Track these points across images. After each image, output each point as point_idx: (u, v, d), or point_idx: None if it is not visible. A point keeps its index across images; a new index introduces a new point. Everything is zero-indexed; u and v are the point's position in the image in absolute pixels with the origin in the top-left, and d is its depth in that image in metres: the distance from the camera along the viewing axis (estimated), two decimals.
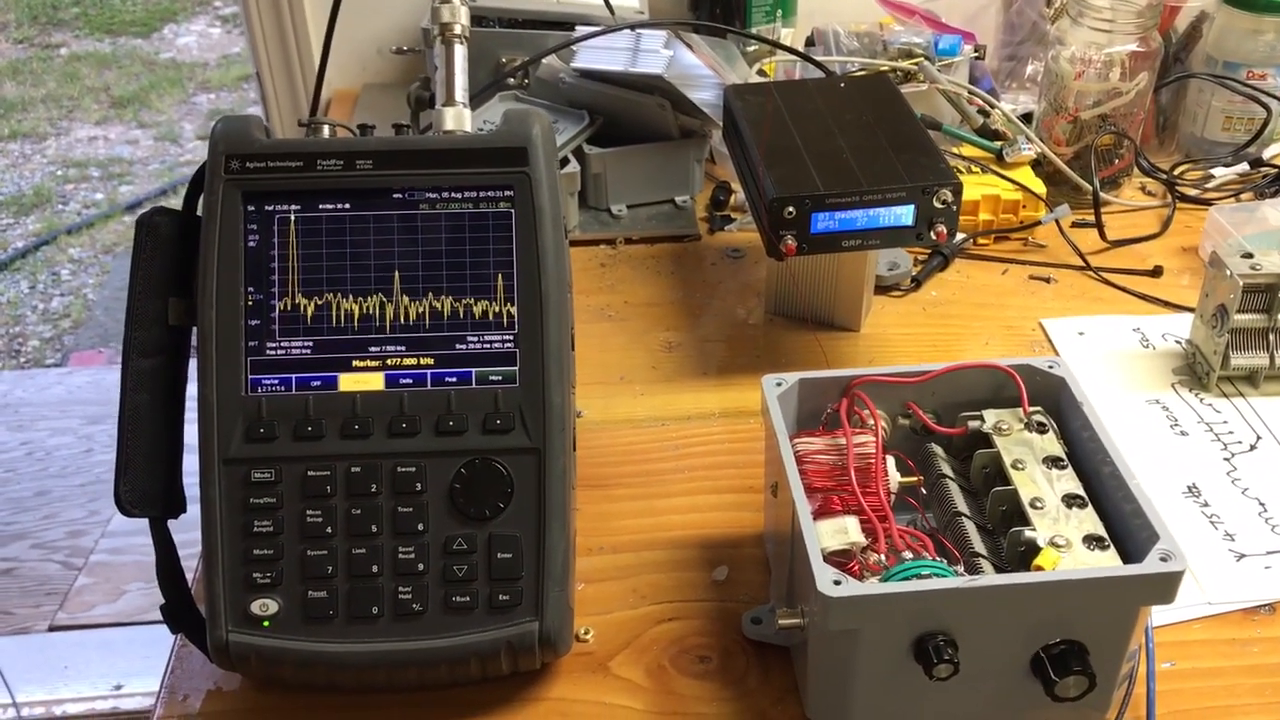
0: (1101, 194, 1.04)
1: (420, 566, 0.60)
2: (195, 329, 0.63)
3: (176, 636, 0.66)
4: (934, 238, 0.82)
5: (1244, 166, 1.11)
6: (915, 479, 0.66)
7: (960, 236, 1.00)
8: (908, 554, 0.58)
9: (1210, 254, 0.84)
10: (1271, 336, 0.83)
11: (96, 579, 1.83)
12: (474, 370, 0.62)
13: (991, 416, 0.66)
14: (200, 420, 0.61)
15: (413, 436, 0.61)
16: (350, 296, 0.63)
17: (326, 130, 0.67)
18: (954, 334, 0.93)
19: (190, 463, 0.63)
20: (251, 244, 0.63)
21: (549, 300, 0.62)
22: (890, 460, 0.64)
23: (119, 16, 4.22)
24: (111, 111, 3.67)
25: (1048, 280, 0.99)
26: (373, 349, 0.62)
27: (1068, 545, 0.58)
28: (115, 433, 0.63)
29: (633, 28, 1.04)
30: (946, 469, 0.66)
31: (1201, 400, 0.84)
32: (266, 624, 0.59)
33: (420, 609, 0.60)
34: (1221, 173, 1.10)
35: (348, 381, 0.62)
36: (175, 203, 0.66)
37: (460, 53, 0.71)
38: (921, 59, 1.10)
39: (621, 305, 0.96)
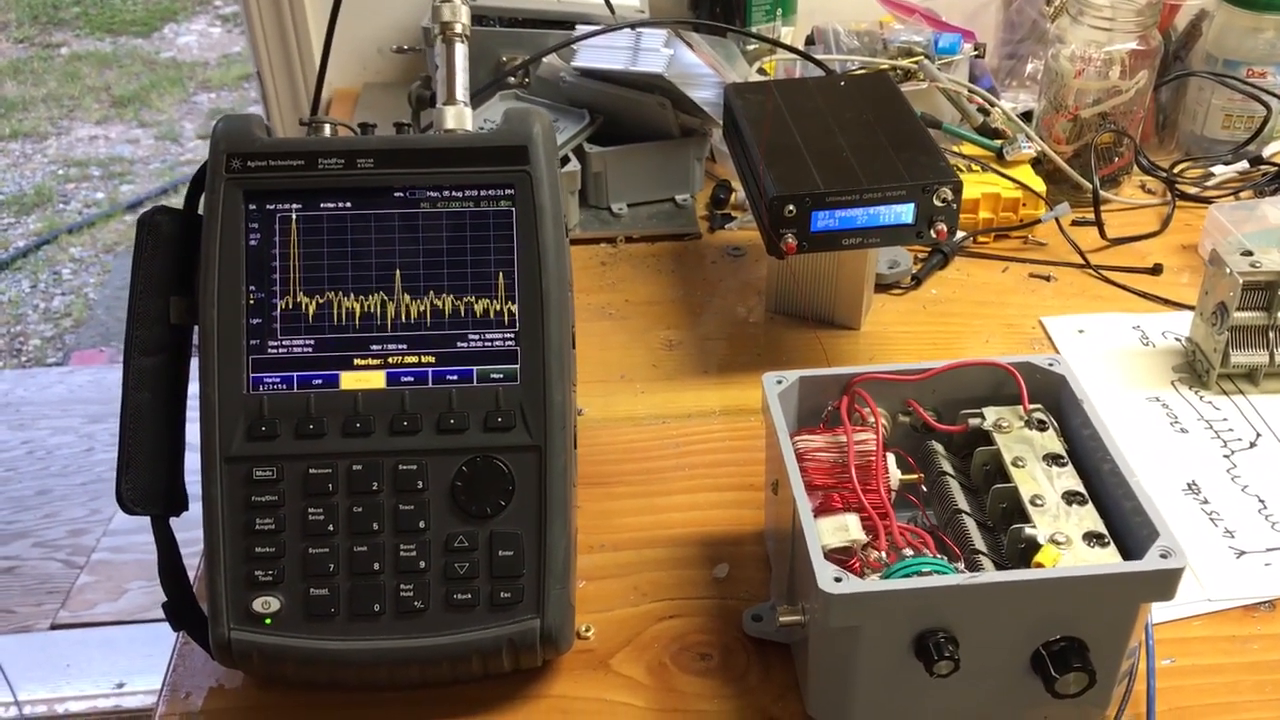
0: (1101, 192, 1.04)
1: (422, 564, 0.60)
2: (197, 328, 0.63)
3: (178, 634, 0.66)
4: (934, 236, 0.82)
5: (1244, 164, 1.11)
6: (916, 476, 0.66)
7: (960, 235, 1.01)
8: (908, 551, 0.59)
9: (1210, 252, 0.84)
10: (1271, 334, 0.83)
11: (98, 577, 1.83)
12: (475, 368, 0.62)
13: (992, 414, 0.66)
14: (202, 418, 0.61)
15: (414, 434, 0.61)
16: (351, 295, 0.63)
17: (327, 129, 0.67)
18: (954, 332, 0.93)
19: (192, 461, 0.63)
20: (253, 243, 0.63)
21: (550, 298, 0.63)
22: (891, 458, 0.64)
23: (119, 16, 4.22)
24: (112, 111, 3.67)
25: (1048, 278, 0.99)
26: (374, 347, 0.62)
27: (1068, 542, 0.58)
28: (116, 431, 0.63)
29: (633, 26, 1.04)
30: (947, 466, 0.66)
31: (1201, 398, 0.85)
32: (268, 621, 0.60)
33: (422, 606, 0.60)
34: (1221, 171, 1.10)
35: (349, 380, 0.62)
36: (176, 202, 0.66)
37: (461, 51, 0.71)
38: (921, 57, 1.10)
39: (622, 304, 0.96)
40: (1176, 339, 0.90)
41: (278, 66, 1.35)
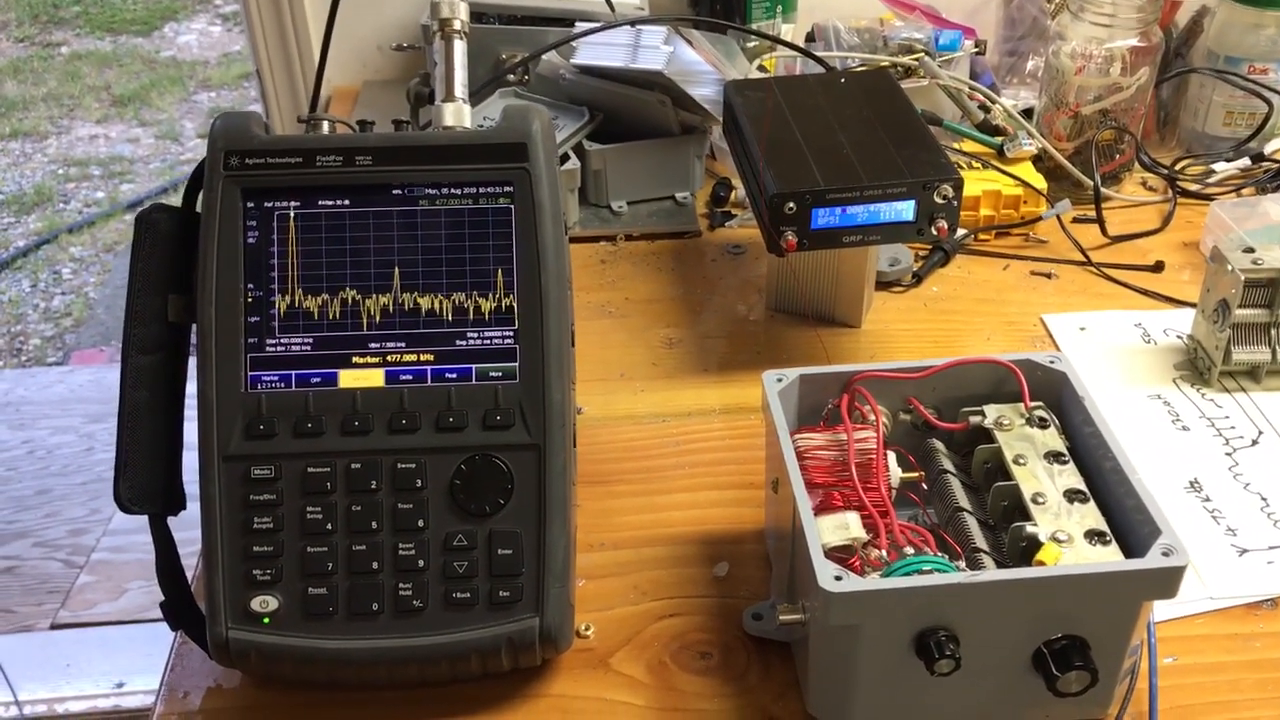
0: (1102, 189, 1.04)
1: (420, 563, 0.60)
2: (195, 326, 0.62)
3: (176, 634, 0.66)
4: (935, 233, 0.81)
5: (1245, 161, 1.10)
6: (916, 474, 0.65)
7: (961, 232, 1.00)
8: (909, 549, 0.58)
9: (1212, 249, 0.84)
10: (1273, 331, 0.83)
11: (98, 577, 1.83)
12: (474, 366, 0.62)
13: (993, 412, 0.66)
14: (200, 417, 0.61)
15: (413, 433, 0.61)
16: (350, 293, 0.63)
17: (326, 126, 0.67)
18: (955, 330, 0.92)
19: (190, 460, 0.63)
20: (251, 240, 0.62)
21: (549, 296, 0.62)
22: (891, 456, 0.64)
23: (119, 15, 4.22)
24: (112, 110, 3.67)
25: (1049, 276, 0.98)
26: (372, 345, 0.62)
27: (1069, 540, 0.58)
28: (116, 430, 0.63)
29: (633, 24, 1.04)
30: (948, 464, 0.66)
31: (1203, 395, 0.84)
32: (266, 621, 0.59)
33: (421, 605, 0.60)
34: (1223, 168, 1.10)
35: (348, 378, 0.62)
36: (176, 201, 0.66)
37: (460, 48, 0.70)
38: (922, 54, 1.10)
39: (622, 302, 0.96)
40: (1178, 336, 0.90)
41: (277, 65, 1.35)
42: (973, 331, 0.92)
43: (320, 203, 0.63)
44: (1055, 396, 0.66)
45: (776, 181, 0.80)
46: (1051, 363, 0.66)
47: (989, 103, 1.08)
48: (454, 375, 0.62)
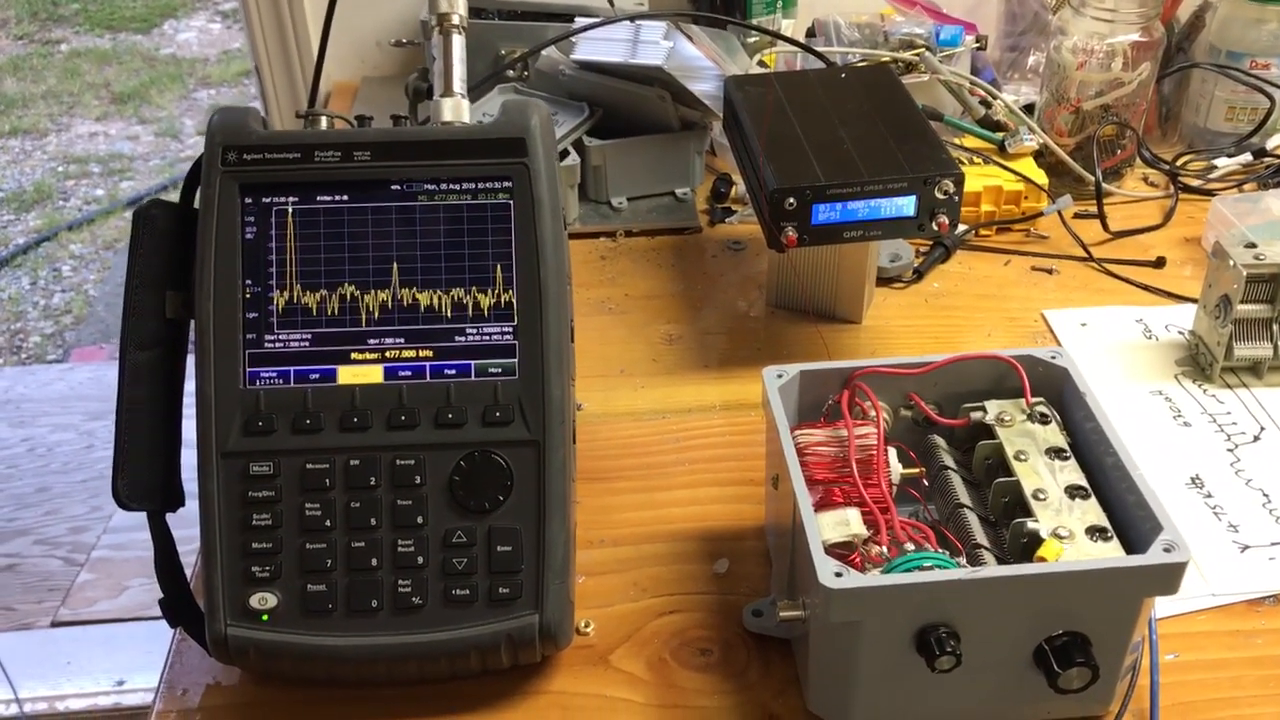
0: (1104, 185, 1.03)
1: (420, 560, 0.60)
2: (193, 322, 0.62)
3: (175, 631, 0.66)
4: (936, 229, 0.81)
5: (1247, 157, 1.10)
6: (917, 470, 0.65)
7: (962, 228, 1.00)
8: (909, 546, 0.58)
9: (1213, 244, 0.84)
10: (1275, 327, 0.83)
11: (98, 575, 1.83)
12: (473, 362, 0.62)
13: (994, 407, 0.65)
14: (198, 413, 0.61)
15: (412, 429, 0.61)
16: (348, 289, 0.62)
17: (324, 121, 0.67)
18: (956, 326, 0.92)
19: (189, 457, 0.62)
20: (249, 236, 0.62)
21: (548, 292, 0.62)
22: (892, 452, 0.64)
23: (119, 12, 4.22)
24: (112, 107, 3.67)
25: (1050, 271, 0.98)
26: (371, 341, 0.62)
27: (1070, 536, 0.57)
28: None
29: (632, 19, 1.04)
30: (948, 460, 0.65)
31: (1205, 391, 0.84)
32: (265, 618, 0.59)
33: (420, 602, 0.59)
34: (1224, 163, 1.10)
35: (346, 374, 0.62)
36: (176, 198, 0.66)
37: (458, 43, 0.70)
38: (923, 50, 1.09)
39: (622, 298, 0.96)
40: (1180, 332, 0.90)
41: (276, 61, 1.34)
42: (974, 327, 0.92)
43: (318, 198, 0.63)
44: (1056, 392, 0.66)
45: (777, 177, 0.80)
46: (1053, 358, 0.66)
47: (990, 98, 1.08)
48: (453, 371, 0.62)
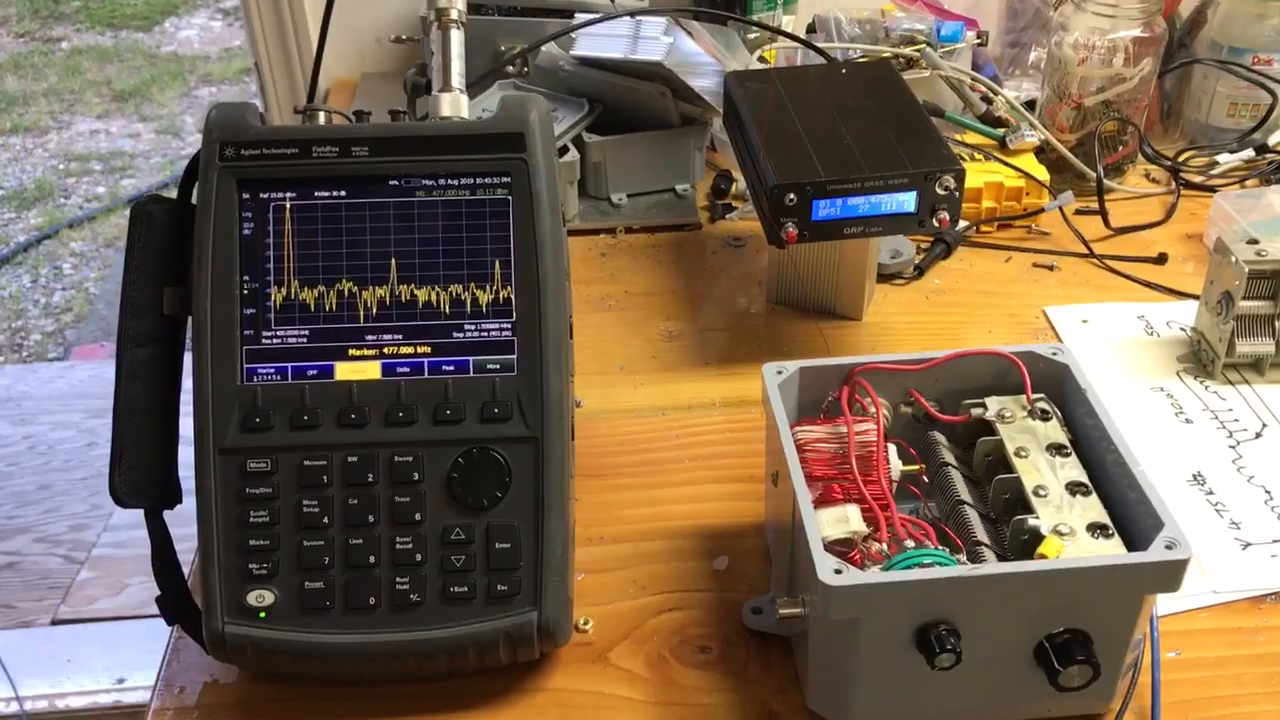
0: (1105, 181, 1.03)
1: (418, 557, 0.60)
2: (190, 318, 0.62)
3: (173, 628, 0.66)
4: (936, 225, 0.81)
5: (1249, 153, 1.10)
6: (917, 467, 0.65)
7: (963, 224, 1.00)
8: (909, 543, 0.58)
9: (1215, 241, 0.84)
10: (1277, 323, 0.83)
11: (99, 573, 1.83)
12: (471, 359, 0.62)
13: (994, 404, 0.65)
14: (195, 410, 0.60)
15: (410, 426, 0.61)
16: (346, 285, 0.62)
17: (322, 117, 0.66)
18: (957, 322, 0.92)
19: (187, 454, 0.62)
20: (246, 232, 0.62)
21: (547, 288, 0.62)
22: (892, 448, 0.63)
23: (120, 10, 4.22)
24: (113, 105, 3.67)
25: (1051, 268, 0.98)
26: (369, 338, 0.62)
27: (1071, 533, 0.57)
28: None
29: (633, 15, 1.04)
30: (949, 457, 0.65)
31: (1207, 388, 0.84)
32: (263, 615, 0.59)
33: (418, 599, 0.59)
34: (1226, 159, 1.09)
35: (344, 370, 0.61)
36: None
37: (457, 38, 0.70)
38: (924, 45, 1.09)
39: (622, 295, 0.96)
40: (1181, 329, 0.90)
41: (275, 58, 1.34)
42: (975, 324, 0.91)
43: (316, 194, 0.62)
44: (1057, 388, 0.65)
45: (777, 173, 0.79)
46: (1054, 354, 0.66)
47: (991, 94, 1.08)
48: (451, 368, 0.62)
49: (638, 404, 0.84)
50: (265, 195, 0.62)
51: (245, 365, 0.61)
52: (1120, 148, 1.07)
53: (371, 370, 0.61)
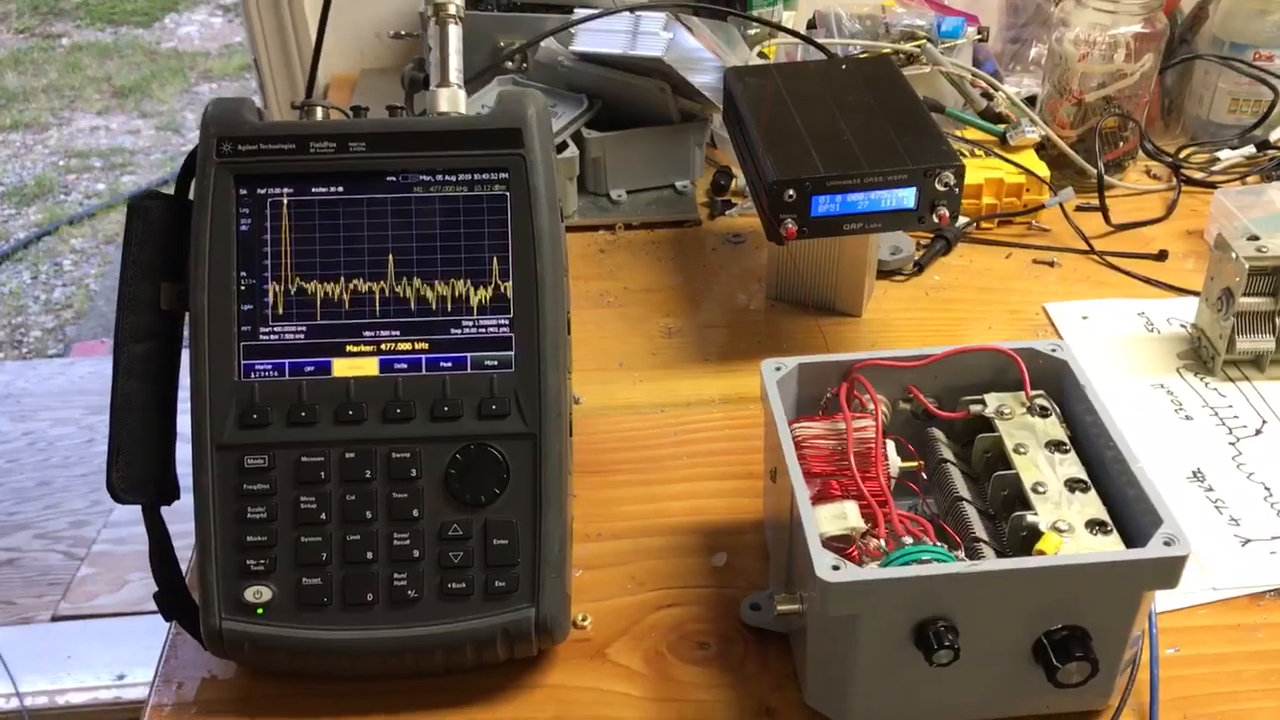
0: (1106, 177, 1.03)
1: (415, 553, 0.59)
2: (188, 314, 0.62)
3: (171, 624, 0.66)
4: (936, 221, 0.81)
5: (1250, 149, 1.09)
6: (916, 464, 0.65)
7: (963, 220, 0.99)
8: (908, 539, 0.58)
9: (1216, 237, 0.83)
10: (1277, 320, 0.82)
11: (99, 569, 1.83)
12: (469, 355, 0.62)
13: (993, 400, 0.65)
14: (193, 406, 0.60)
15: (407, 422, 0.60)
16: (344, 281, 0.62)
17: (320, 112, 0.66)
18: (957, 319, 0.92)
19: (184, 450, 0.62)
20: (244, 228, 0.62)
21: (545, 284, 0.62)
22: (890, 445, 0.63)
23: (120, 6, 4.21)
24: (113, 101, 3.67)
25: (1051, 264, 0.98)
26: (366, 334, 0.62)
27: (1070, 530, 0.57)
28: None
29: (632, 10, 1.03)
30: (947, 453, 0.65)
31: (1206, 384, 0.84)
32: (260, 611, 0.59)
33: (415, 595, 0.59)
34: (1228, 155, 1.09)
35: (341, 366, 0.61)
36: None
37: (455, 33, 0.70)
38: (924, 41, 1.09)
39: (621, 291, 0.96)
40: (1182, 325, 0.89)
41: (275, 54, 1.34)
42: (975, 320, 0.91)
43: (314, 189, 0.62)
44: (1056, 385, 0.65)
45: (776, 168, 0.79)
46: (1053, 351, 0.66)
47: (992, 90, 1.07)
48: (449, 364, 0.62)
49: (637, 401, 0.84)
50: (263, 191, 0.62)
51: (243, 361, 0.61)
52: (1121, 144, 1.07)
53: (369, 366, 0.61)
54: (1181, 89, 1.16)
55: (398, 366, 0.61)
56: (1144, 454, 0.59)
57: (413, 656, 0.60)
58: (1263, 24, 1.10)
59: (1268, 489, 0.74)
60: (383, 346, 0.62)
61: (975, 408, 0.65)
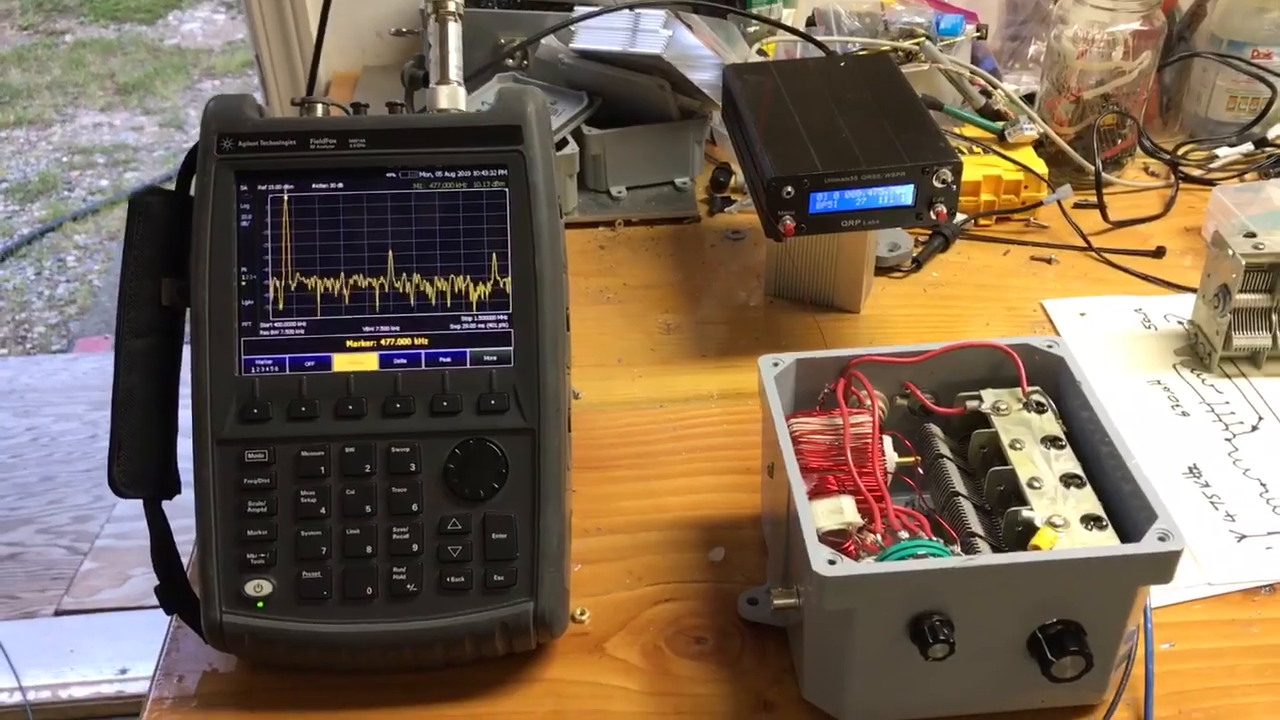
0: (1104, 174, 1.03)
1: (415, 547, 0.60)
2: (189, 310, 0.62)
3: (172, 618, 0.66)
4: (934, 218, 0.81)
5: (1248, 146, 1.09)
6: (913, 459, 0.65)
7: (961, 217, 1.00)
8: (904, 534, 0.58)
9: (1213, 234, 0.84)
10: (1274, 316, 0.83)
11: (102, 564, 1.84)
12: (468, 350, 0.62)
13: (990, 396, 0.65)
14: (193, 401, 0.61)
15: (407, 417, 0.61)
16: (344, 276, 0.62)
17: (320, 109, 0.67)
18: (955, 315, 0.92)
19: (185, 445, 0.62)
20: (244, 224, 0.62)
21: (544, 280, 0.62)
22: (887, 440, 0.64)
23: (124, 3, 4.22)
24: (116, 98, 3.67)
25: (1049, 261, 0.98)
26: (366, 329, 0.62)
27: (1065, 525, 0.57)
28: None
29: (632, 8, 1.04)
30: (944, 449, 0.65)
31: (1203, 381, 0.84)
32: (260, 605, 0.59)
33: (415, 590, 0.60)
34: (1225, 153, 1.09)
35: (341, 362, 0.62)
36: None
37: (454, 30, 0.70)
38: (923, 39, 1.09)
39: (620, 287, 0.96)
40: (1179, 322, 0.90)
41: (276, 51, 1.34)
42: (973, 317, 0.92)
43: (314, 186, 0.63)
44: (1053, 381, 0.66)
45: (774, 165, 0.80)
46: (1049, 347, 0.66)
47: (990, 87, 1.08)
48: (448, 359, 0.62)
49: (635, 396, 0.84)
50: (263, 187, 0.62)
51: (243, 356, 0.61)
52: (1119, 141, 1.07)
53: (369, 362, 0.62)
54: (1180, 86, 1.17)
55: (397, 362, 0.62)
56: (1140, 450, 0.60)
57: (412, 650, 0.60)
58: (1261, 22, 1.10)
59: (1264, 485, 0.75)
60: (382, 342, 0.62)
61: (972, 403, 0.65)
